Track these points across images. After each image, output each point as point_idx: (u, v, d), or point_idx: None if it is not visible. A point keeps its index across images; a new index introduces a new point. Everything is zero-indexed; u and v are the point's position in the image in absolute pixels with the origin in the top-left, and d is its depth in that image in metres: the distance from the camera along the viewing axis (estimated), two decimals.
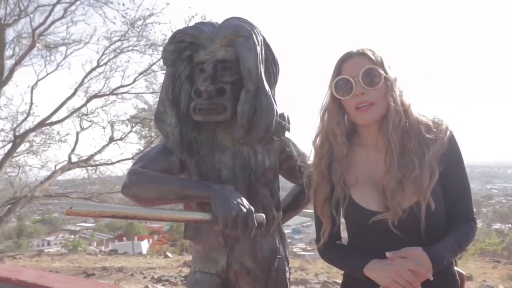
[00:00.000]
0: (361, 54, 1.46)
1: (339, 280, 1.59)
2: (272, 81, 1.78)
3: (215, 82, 1.68)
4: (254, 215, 1.52)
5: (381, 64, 1.44)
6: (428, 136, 1.41)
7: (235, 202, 1.49)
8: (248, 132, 1.68)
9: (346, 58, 1.48)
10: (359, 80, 1.42)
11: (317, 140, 1.55)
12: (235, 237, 1.68)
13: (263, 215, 1.59)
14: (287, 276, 1.87)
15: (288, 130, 1.82)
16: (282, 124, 1.77)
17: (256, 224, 1.52)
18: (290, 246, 27.23)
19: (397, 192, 1.37)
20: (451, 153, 1.43)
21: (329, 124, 1.50)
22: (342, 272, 1.56)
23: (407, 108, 1.45)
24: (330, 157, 1.50)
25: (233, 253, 1.76)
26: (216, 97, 1.67)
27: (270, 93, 1.71)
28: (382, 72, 1.42)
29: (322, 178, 1.50)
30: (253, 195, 1.71)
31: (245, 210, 1.50)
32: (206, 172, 1.73)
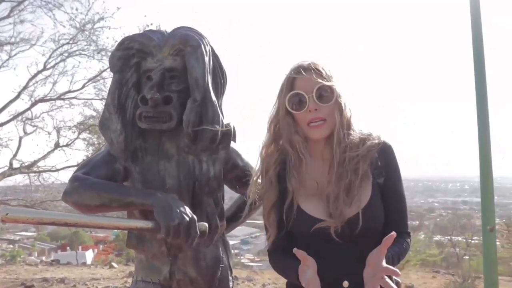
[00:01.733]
0: (314, 70, 1.48)
1: None
2: (219, 92, 1.80)
3: (162, 90, 1.68)
4: (197, 224, 1.54)
5: (331, 80, 1.48)
6: (362, 150, 1.47)
7: (178, 211, 1.50)
8: (193, 141, 1.69)
9: (299, 72, 1.49)
10: (312, 96, 1.45)
11: (264, 150, 1.57)
12: (178, 246, 1.68)
13: (206, 224, 1.60)
14: (230, 285, 1.89)
15: (234, 140, 1.85)
16: (228, 134, 1.78)
17: (198, 233, 1.54)
18: (238, 257, 27.09)
19: (338, 202, 1.42)
20: (389, 167, 1.50)
21: (286, 134, 1.51)
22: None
23: (349, 123, 1.51)
24: (280, 166, 1.53)
25: (176, 262, 1.75)
26: (163, 105, 1.67)
27: (216, 103, 1.73)
28: (334, 88, 1.47)
29: (270, 186, 1.53)
30: (197, 204, 1.72)
31: (187, 218, 1.51)
32: (150, 180, 1.72)
